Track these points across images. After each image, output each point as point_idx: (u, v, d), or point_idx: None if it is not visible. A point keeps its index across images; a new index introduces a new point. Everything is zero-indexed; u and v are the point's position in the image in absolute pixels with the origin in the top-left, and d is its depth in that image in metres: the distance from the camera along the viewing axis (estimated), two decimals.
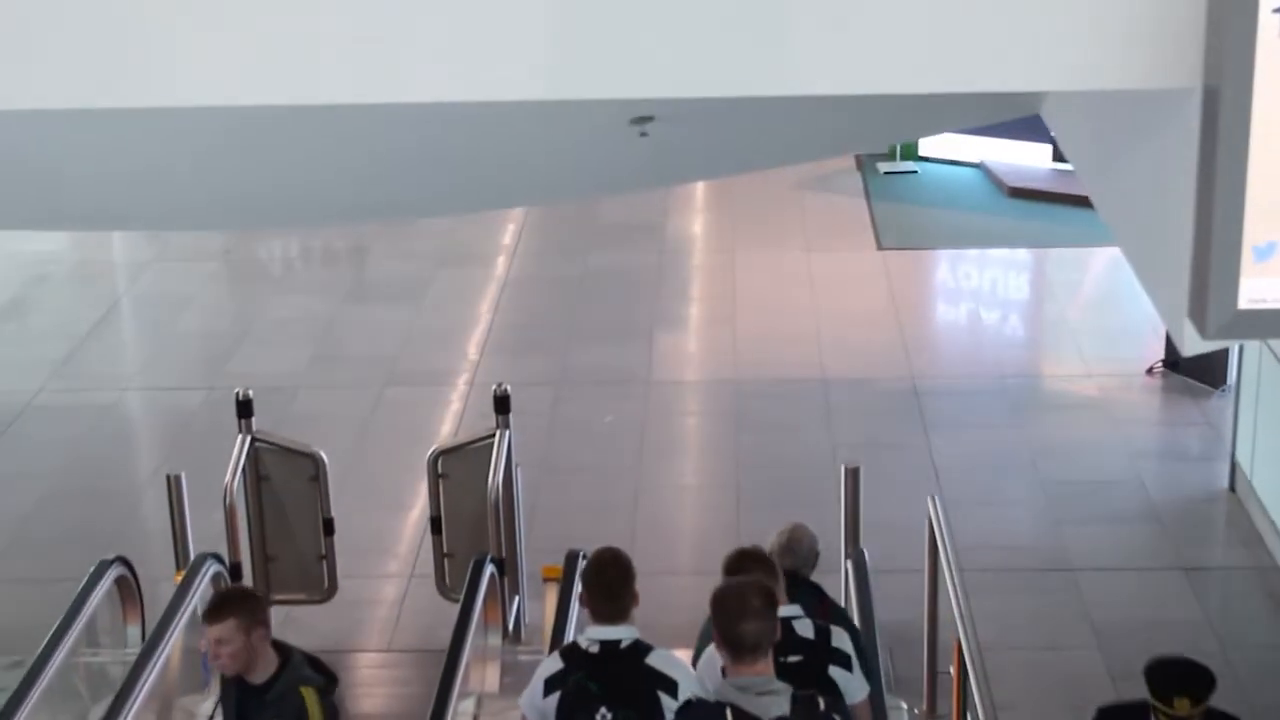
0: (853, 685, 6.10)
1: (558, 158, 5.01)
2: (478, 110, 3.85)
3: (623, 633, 5.78)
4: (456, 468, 9.16)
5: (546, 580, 8.68)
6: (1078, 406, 12.33)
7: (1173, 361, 12.56)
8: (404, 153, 4.93)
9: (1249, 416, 10.63)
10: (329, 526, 9.20)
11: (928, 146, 17.44)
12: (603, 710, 5.80)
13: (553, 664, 5.89)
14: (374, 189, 5.48)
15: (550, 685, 5.88)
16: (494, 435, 9.06)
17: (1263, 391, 10.32)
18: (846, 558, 8.30)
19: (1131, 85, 3.52)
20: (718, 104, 4.21)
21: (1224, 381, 12.17)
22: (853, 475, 8.86)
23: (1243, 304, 3.60)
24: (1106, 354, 13.07)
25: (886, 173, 17.31)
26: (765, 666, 5.17)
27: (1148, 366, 12.65)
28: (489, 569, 8.33)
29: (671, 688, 5.75)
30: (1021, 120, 16.35)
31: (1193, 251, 3.61)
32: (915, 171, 17.32)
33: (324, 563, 9.21)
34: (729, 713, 5.10)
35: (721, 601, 5.23)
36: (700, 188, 17.68)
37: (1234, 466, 10.88)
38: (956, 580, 7.94)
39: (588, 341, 13.53)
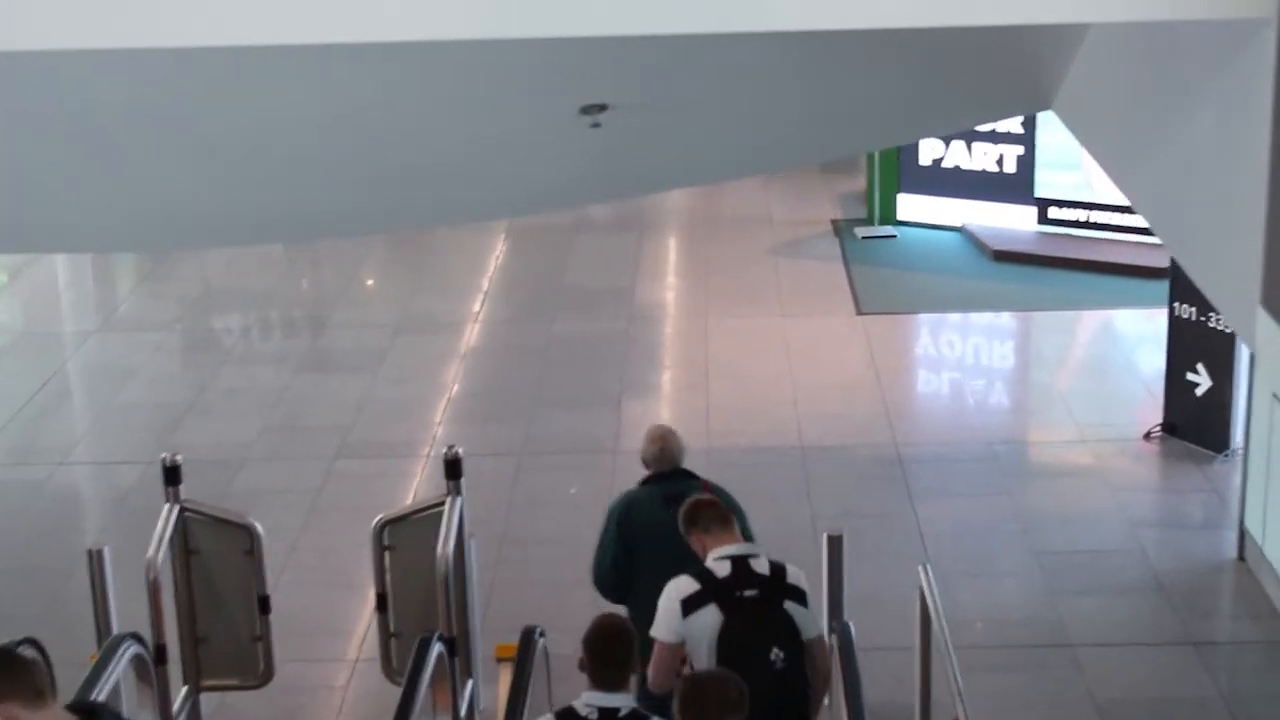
0: (808, 621, 6.53)
1: (509, 155, 4.32)
2: (426, 102, 3.25)
3: (621, 701, 5.74)
4: (404, 539, 8.40)
5: (500, 661, 7.93)
6: (1072, 473, 11.62)
7: (1171, 425, 11.88)
8: (348, 155, 4.24)
9: (1259, 481, 9.92)
10: (265, 604, 8.41)
11: (906, 210, 16.84)
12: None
13: (685, 585, 6.24)
14: (322, 197, 4.78)
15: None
16: (444, 503, 8.30)
17: (1274, 455, 9.62)
18: (830, 632, 7.54)
19: (1196, 15, 2.84)
20: (679, 91, 3.54)
21: (1227, 446, 11.48)
22: (835, 544, 8.11)
23: None
24: (1100, 419, 12.38)
25: (864, 238, 16.66)
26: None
27: (1145, 431, 11.96)
28: (437, 649, 7.54)
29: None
30: (1005, 183, 15.82)
31: (1267, 222, 2.91)
32: (894, 236, 16.68)
33: (259, 644, 8.41)
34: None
35: (698, 695, 5.32)
36: (671, 254, 17.04)
37: (1243, 534, 10.17)
38: (952, 656, 7.19)
39: (552, 410, 12.82)
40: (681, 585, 6.52)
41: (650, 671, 6.50)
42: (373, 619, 8.92)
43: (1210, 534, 10.70)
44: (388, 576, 8.39)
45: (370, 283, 16.87)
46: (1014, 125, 16.09)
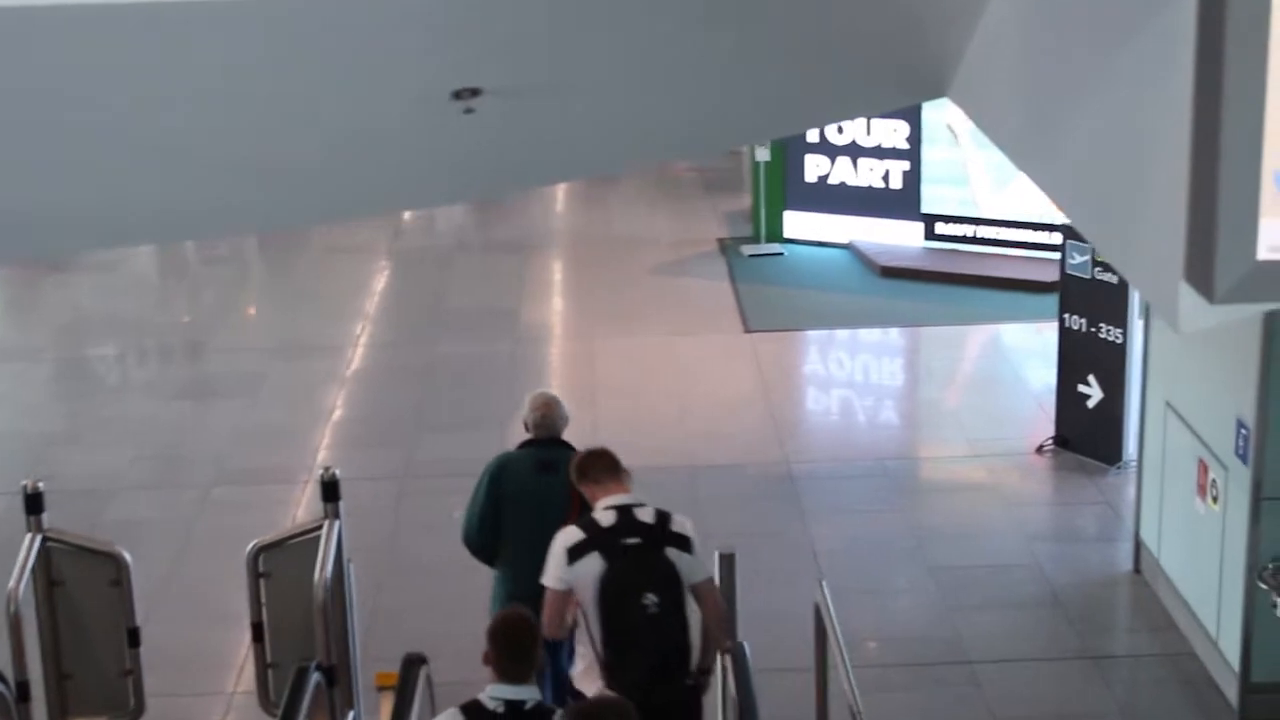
0: (693, 566, 6.79)
1: (373, 145, 4.03)
2: (284, 86, 2.95)
3: (527, 694, 5.81)
4: (280, 565, 8.04)
5: (382, 690, 7.60)
6: (965, 488, 11.47)
7: (1063, 439, 11.76)
8: (198, 143, 3.94)
9: (1153, 493, 9.80)
10: (134, 637, 8.02)
11: (793, 228, 16.69)
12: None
13: (571, 535, 6.49)
14: (168, 192, 4.45)
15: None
16: (321, 527, 7.97)
17: (1169, 466, 9.50)
18: (724, 652, 7.29)
19: None
20: (556, 75, 3.27)
21: (1120, 458, 11.38)
22: (728, 562, 7.85)
23: (1263, 253, 2.68)
24: (992, 433, 12.25)
25: (751, 255, 16.49)
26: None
27: (1037, 445, 11.83)
28: (315, 678, 7.21)
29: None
30: (891, 199, 15.69)
31: (1189, 189, 2.69)
32: (781, 254, 16.52)
33: (129, 679, 8.02)
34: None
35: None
36: (556, 275, 16.78)
37: (1138, 546, 10.04)
38: (850, 675, 6.96)
39: (436, 433, 12.50)
40: (568, 534, 6.81)
41: (543, 618, 6.68)
42: (250, 650, 8.57)
43: (1104, 547, 10.58)
44: (264, 605, 8.04)
45: (248, 307, 16.47)
46: (899, 141, 15.99)
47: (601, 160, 4.91)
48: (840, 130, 16.19)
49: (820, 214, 16.57)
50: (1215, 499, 8.77)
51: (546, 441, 7.84)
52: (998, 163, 15.64)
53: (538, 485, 7.63)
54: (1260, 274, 2.64)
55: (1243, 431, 8.36)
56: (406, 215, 18.74)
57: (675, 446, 12.11)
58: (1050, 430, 11.88)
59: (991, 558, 10.39)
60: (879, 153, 16.12)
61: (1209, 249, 2.65)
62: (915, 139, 15.88)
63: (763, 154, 16.38)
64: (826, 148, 16.35)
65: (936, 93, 4.54)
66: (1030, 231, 15.66)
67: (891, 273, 15.73)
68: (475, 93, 3.89)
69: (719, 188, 19.40)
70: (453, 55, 3.70)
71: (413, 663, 7.10)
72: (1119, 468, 11.35)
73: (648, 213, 18.07)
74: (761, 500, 11.31)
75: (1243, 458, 8.38)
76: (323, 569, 7.73)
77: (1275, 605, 8.05)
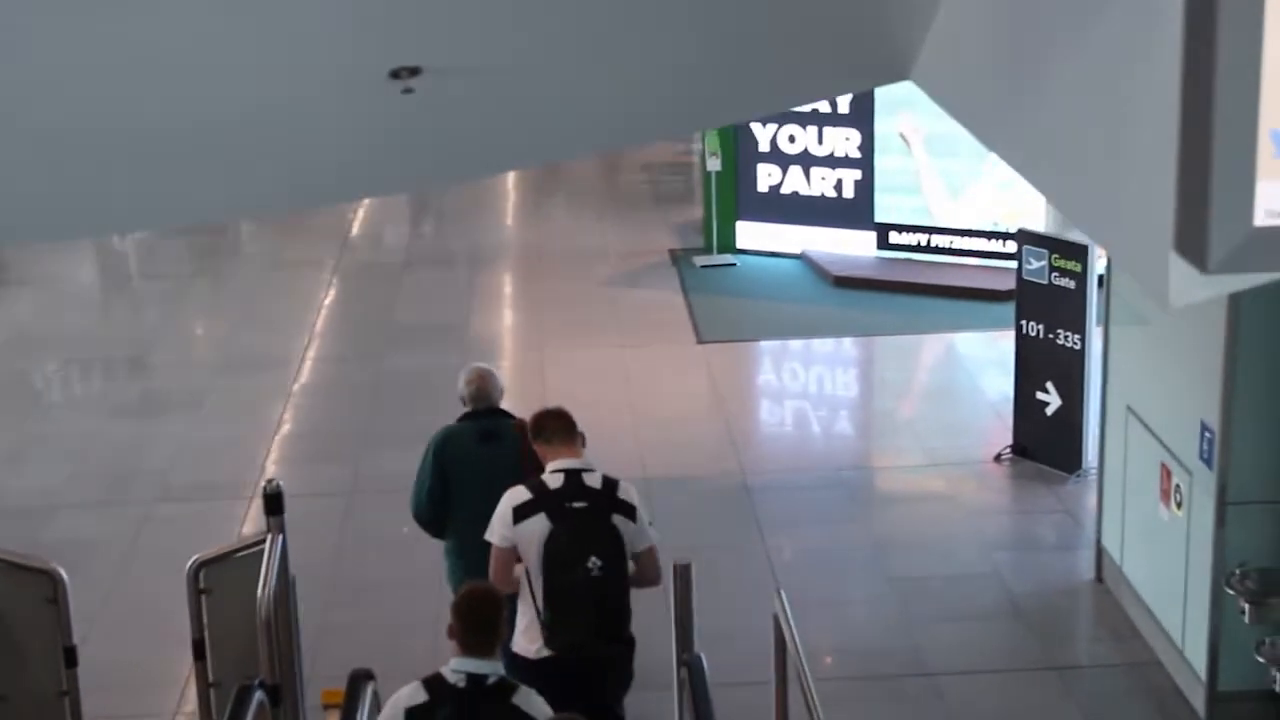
0: (637, 535, 6.99)
1: (307, 125, 3.80)
2: (210, 58, 2.73)
3: (490, 668, 5.84)
4: (222, 581, 7.79)
5: (328, 708, 7.37)
6: (923, 498, 11.30)
7: (1021, 447, 11.61)
8: (117, 127, 3.71)
9: (1115, 500, 9.64)
10: (71, 656, 7.74)
11: (745, 239, 16.51)
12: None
13: (415, 694, 5.86)
14: (82, 179, 4.22)
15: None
16: (264, 541, 7.73)
17: (1131, 472, 9.35)
18: (680, 664, 7.09)
19: None
20: (500, 54, 3.07)
21: (1079, 466, 11.22)
22: (683, 573, 7.64)
23: (1261, 218, 2.50)
24: (949, 442, 12.09)
25: (703, 266, 16.31)
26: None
27: (995, 453, 11.67)
28: (257, 696, 6.96)
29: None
30: (844, 208, 15.50)
31: (1179, 151, 2.50)
32: (734, 264, 16.34)
33: (65, 699, 7.74)
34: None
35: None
36: (505, 288, 16.57)
37: (1100, 554, 9.88)
38: (810, 687, 6.76)
39: (383, 448, 12.25)
40: (516, 494, 6.99)
41: (490, 575, 6.96)
42: (191, 668, 8.31)
43: (1065, 555, 10.43)
44: (205, 622, 7.80)
45: (191, 322, 16.18)
46: (852, 150, 15.83)
47: (550, 146, 4.71)
48: (792, 140, 16.03)
49: (773, 224, 16.39)
50: (1179, 504, 8.62)
51: (485, 412, 8.07)
52: (951, 170, 15.53)
53: (481, 455, 7.87)
54: (1257, 241, 2.45)
55: (1207, 435, 8.21)
56: (355, 230, 18.51)
57: (628, 459, 11.88)
58: (1008, 439, 11.73)
59: (951, 568, 10.22)
60: (831, 162, 15.96)
61: (1201, 215, 2.46)
62: (868, 148, 15.72)
63: (714, 164, 16.20)
64: (779, 157, 16.19)
65: (899, 75, 4.35)
66: (984, 240, 15.53)
67: (845, 282, 15.56)
68: (414, 72, 3.68)
69: (669, 199, 19.23)
70: (390, 32, 3.49)
71: (359, 679, 6.88)
72: (1078, 476, 11.20)
73: (597, 225, 17.87)
74: (717, 512, 11.12)
75: (1207, 462, 8.23)
76: (266, 584, 7.48)
77: (1244, 611, 7.89)
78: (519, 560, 6.98)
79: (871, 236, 15.95)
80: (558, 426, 7.20)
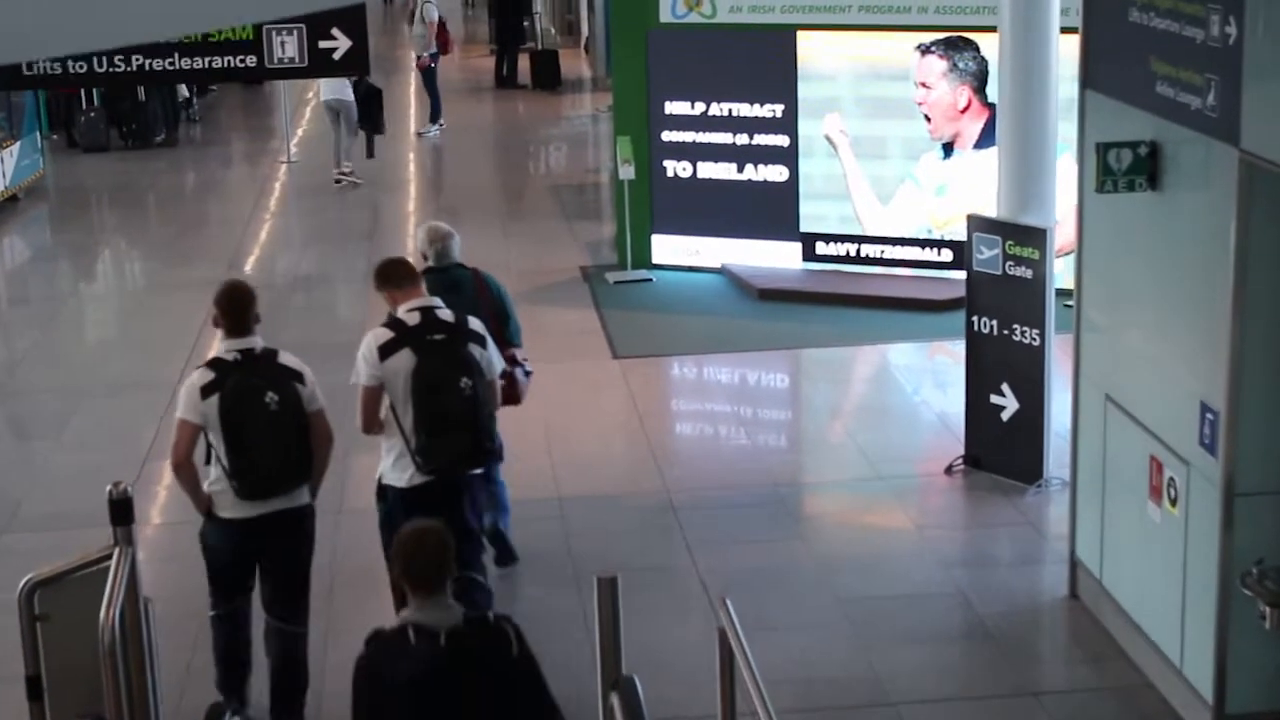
0: (491, 361, 7.84)
1: None
2: None
3: (253, 342, 7.47)
4: (61, 604, 6.54)
5: None
6: (869, 513, 10.19)
7: (974, 458, 10.52)
8: None
9: (1091, 504, 8.56)
10: None
11: (662, 253, 15.37)
12: (269, 395, 7.36)
13: (203, 375, 7.39)
14: None
15: (207, 390, 7.37)
16: (110, 556, 6.47)
17: (1112, 470, 8.26)
18: (610, 688, 5.89)
19: None
20: None
21: (1040, 475, 10.15)
22: (608, 587, 6.37)
23: None
24: (894, 454, 10.99)
25: (617, 282, 15.16)
26: (443, 596, 5.49)
27: (946, 465, 10.57)
28: None
29: (301, 377, 7.52)
30: (768, 218, 14.36)
31: None
32: (650, 280, 15.19)
33: None
34: (410, 631, 5.38)
35: (401, 543, 5.57)
36: None
37: (1074, 567, 8.79)
38: (770, 711, 5.58)
39: None
40: (378, 334, 7.75)
41: (359, 417, 7.80)
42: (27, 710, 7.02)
43: (1031, 570, 9.36)
44: (41, 654, 6.54)
45: (61, 345, 14.85)
46: (775, 155, 14.76)
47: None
48: (711, 144, 14.94)
49: (690, 236, 15.28)
50: (1174, 501, 7.53)
51: (446, 267, 9.00)
52: (880, 175, 14.50)
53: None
54: None
55: (1209, 417, 7.14)
56: (245, 250, 17.24)
57: (541, 477, 10.72)
58: (958, 449, 10.65)
59: (906, 587, 9.10)
60: (753, 167, 14.87)
61: None
62: (792, 152, 14.66)
63: (626, 172, 15.06)
64: (696, 163, 15.09)
65: None
66: (918, 249, 14.49)
67: (770, 295, 14.46)
68: None
69: (579, 216, 18.10)
70: None
71: (219, 715, 5.66)
72: (1039, 486, 10.13)
73: (503, 242, 16.68)
74: (640, 532, 9.96)
75: (1209, 448, 7.16)
76: (111, 606, 6.23)
77: (1264, 617, 6.77)
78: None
79: (796, 248, 14.87)
80: (405, 272, 7.93)
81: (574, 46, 29.73)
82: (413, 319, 7.70)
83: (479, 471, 8.01)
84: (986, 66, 13.71)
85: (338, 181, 19.79)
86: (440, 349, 7.60)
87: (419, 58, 23.63)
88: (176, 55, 9.34)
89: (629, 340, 13.56)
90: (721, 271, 15.13)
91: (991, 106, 13.72)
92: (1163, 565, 7.66)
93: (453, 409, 7.53)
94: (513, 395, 8.99)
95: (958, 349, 12.15)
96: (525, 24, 28.19)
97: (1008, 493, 10.17)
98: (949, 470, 10.54)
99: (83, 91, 22.57)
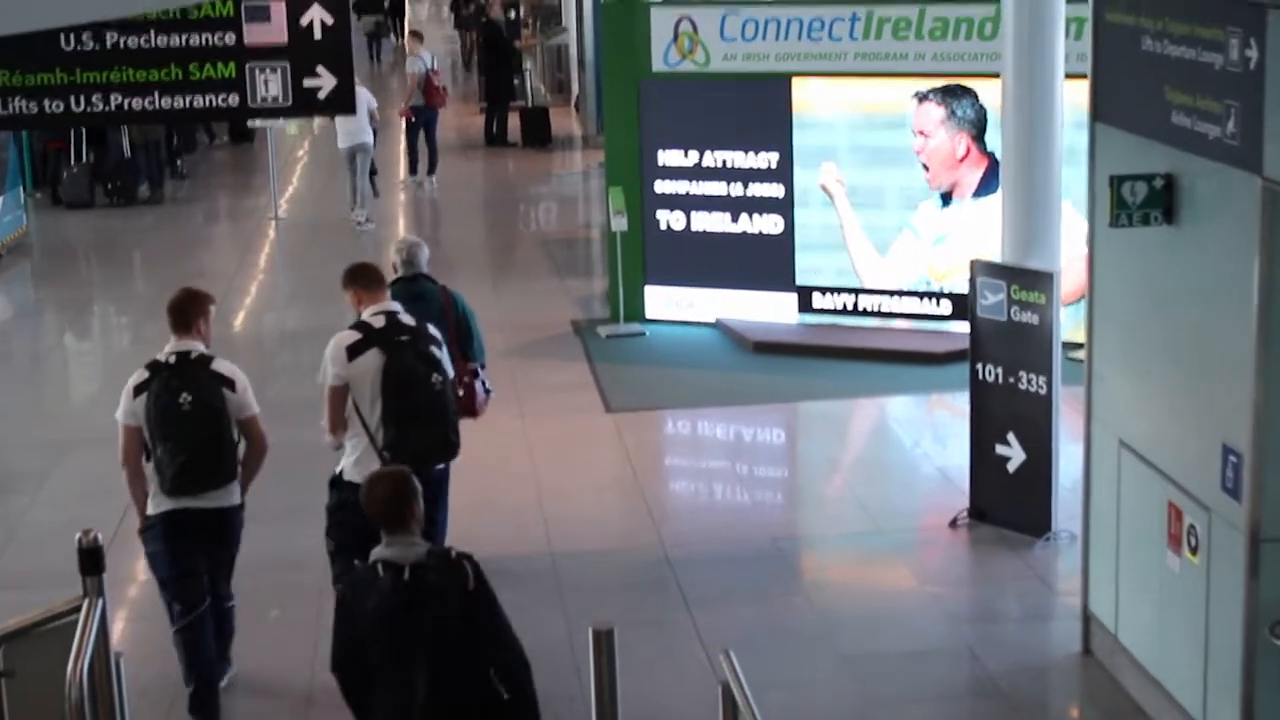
0: (446, 361, 8.26)
1: None
2: None
3: (191, 346, 7.95)
4: (28, 660, 6.23)
5: None
6: (872, 567, 9.88)
7: (979, 510, 10.20)
8: None
9: (1105, 555, 8.23)
10: None
11: (655, 306, 15.07)
12: (184, 395, 7.75)
13: (138, 376, 7.89)
14: None
15: (138, 390, 7.86)
16: (79, 608, 6.14)
17: (1127, 518, 7.94)
18: None
19: None
20: None
21: (1048, 528, 9.82)
22: (603, 641, 6.17)
23: None
24: (895, 508, 10.68)
25: (609, 336, 14.85)
26: (408, 534, 6.01)
27: (950, 518, 10.24)
28: None
29: (231, 384, 7.96)
30: (763, 270, 14.07)
31: None
32: (643, 334, 14.88)
33: None
34: (379, 566, 5.94)
35: (370, 486, 6.16)
36: None
37: (1087, 621, 8.45)
38: None
39: (255, 526, 10.57)
40: (344, 336, 8.20)
41: (327, 416, 8.29)
42: None
43: (1041, 626, 9.04)
44: (6, 712, 6.21)
45: (43, 398, 14.53)
46: (771, 206, 14.48)
47: None
48: (705, 194, 14.68)
49: (684, 288, 14.98)
50: (1194, 549, 7.21)
51: (413, 277, 9.55)
52: (877, 225, 14.24)
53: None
54: None
55: (1231, 460, 6.83)
56: (233, 305, 16.93)
57: (533, 533, 10.40)
58: (962, 502, 10.33)
59: (913, 643, 8.77)
60: (749, 218, 14.59)
61: None
62: (788, 202, 14.39)
63: (619, 223, 14.78)
64: (689, 216, 14.81)
65: None
66: (916, 300, 14.20)
67: (765, 348, 14.16)
68: None
69: (570, 271, 17.81)
70: None
71: None
72: (1048, 538, 9.81)
73: (493, 297, 16.36)
74: (636, 588, 9.64)
75: (1232, 492, 6.84)
76: (79, 660, 5.91)
77: None
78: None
79: (792, 300, 14.58)
80: (373, 275, 8.47)
81: (565, 105, 29.51)
82: (378, 321, 8.20)
83: (441, 467, 8.57)
84: (985, 114, 13.48)
85: (361, 224, 20.22)
86: (408, 348, 8.09)
87: (400, 109, 23.60)
88: (156, 94, 9.03)
89: (622, 394, 13.24)
90: (716, 325, 14.83)
91: (990, 155, 13.51)
92: (1183, 617, 7.34)
93: (424, 403, 7.96)
94: (470, 407, 9.30)
95: (958, 402, 11.89)
96: (515, 82, 27.99)
97: (1015, 546, 9.84)
98: (953, 524, 10.21)
99: (72, 146, 22.35)
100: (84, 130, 22.41)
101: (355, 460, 8.16)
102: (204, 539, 8.07)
